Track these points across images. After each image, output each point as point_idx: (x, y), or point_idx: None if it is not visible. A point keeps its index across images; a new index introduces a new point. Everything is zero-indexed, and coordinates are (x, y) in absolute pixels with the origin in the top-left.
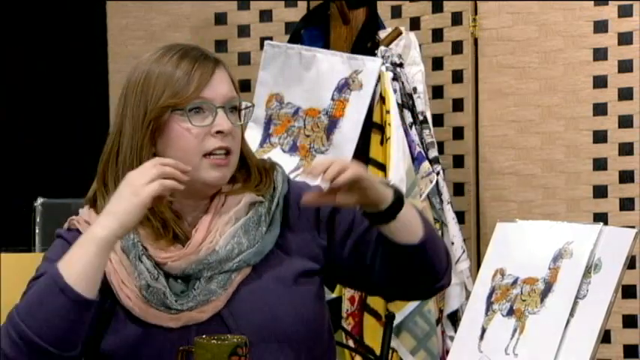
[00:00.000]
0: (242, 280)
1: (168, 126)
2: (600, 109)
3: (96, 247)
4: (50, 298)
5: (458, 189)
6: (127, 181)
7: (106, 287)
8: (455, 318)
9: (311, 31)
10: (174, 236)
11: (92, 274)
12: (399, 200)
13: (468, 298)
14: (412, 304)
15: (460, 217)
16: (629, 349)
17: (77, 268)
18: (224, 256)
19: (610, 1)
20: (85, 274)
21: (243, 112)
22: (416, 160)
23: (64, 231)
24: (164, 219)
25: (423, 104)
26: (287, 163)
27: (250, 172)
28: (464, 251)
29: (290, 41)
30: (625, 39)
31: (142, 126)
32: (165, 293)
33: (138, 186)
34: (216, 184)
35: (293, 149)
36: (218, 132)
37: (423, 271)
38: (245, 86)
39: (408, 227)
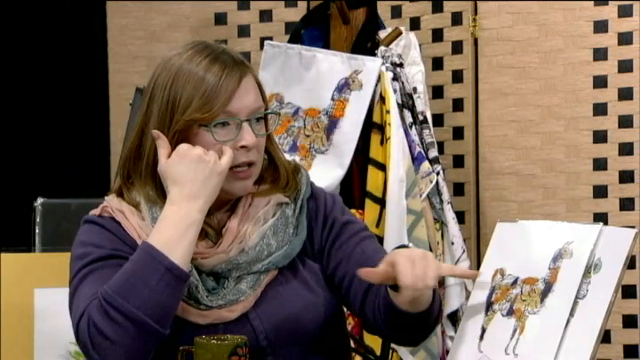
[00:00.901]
0: (269, 281)
1: (193, 138)
2: (600, 109)
3: (195, 228)
4: (155, 276)
5: (458, 189)
6: (195, 162)
7: None
8: (455, 318)
9: (311, 31)
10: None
11: (190, 253)
12: None
13: (467, 298)
14: None
15: (460, 217)
16: (629, 349)
17: (181, 248)
18: (254, 258)
19: (610, 1)
20: (188, 254)
21: (269, 118)
22: (416, 160)
23: (97, 217)
24: None
25: (423, 104)
26: None
27: (279, 172)
28: (464, 251)
29: (290, 41)
30: (625, 39)
31: (167, 134)
32: (197, 287)
33: (211, 162)
34: (239, 194)
35: (293, 149)
36: (242, 146)
37: (414, 331)
38: None
39: (420, 299)
